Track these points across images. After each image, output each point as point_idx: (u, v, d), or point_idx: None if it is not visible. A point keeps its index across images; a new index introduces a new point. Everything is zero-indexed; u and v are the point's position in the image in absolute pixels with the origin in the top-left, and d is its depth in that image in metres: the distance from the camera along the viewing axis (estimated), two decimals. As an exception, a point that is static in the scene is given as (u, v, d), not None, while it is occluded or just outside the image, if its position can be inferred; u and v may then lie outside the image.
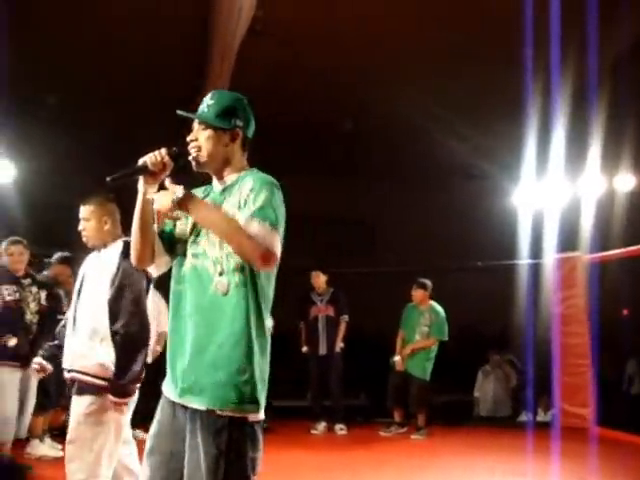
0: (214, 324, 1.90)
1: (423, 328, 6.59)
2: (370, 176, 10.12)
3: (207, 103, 2.03)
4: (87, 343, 2.87)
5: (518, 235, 8.44)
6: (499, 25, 5.84)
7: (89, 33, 6.14)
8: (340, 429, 6.76)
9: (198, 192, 2.08)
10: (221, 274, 1.92)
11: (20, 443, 4.93)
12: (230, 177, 2.04)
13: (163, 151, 1.97)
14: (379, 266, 9.35)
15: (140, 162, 1.97)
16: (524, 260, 8.09)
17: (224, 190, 2.03)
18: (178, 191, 1.92)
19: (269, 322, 2.05)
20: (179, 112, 2.03)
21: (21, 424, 4.65)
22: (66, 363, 2.94)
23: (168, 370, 2.00)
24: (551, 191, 7.97)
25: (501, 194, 9.20)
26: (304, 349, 6.98)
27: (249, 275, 1.93)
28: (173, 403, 1.96)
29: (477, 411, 8.11)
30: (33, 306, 4.71)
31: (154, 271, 2.12)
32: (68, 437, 2.87)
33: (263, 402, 1.95)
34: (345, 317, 6.87)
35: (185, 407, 1.92)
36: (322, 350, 6.81)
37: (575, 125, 6.66)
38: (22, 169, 7.55)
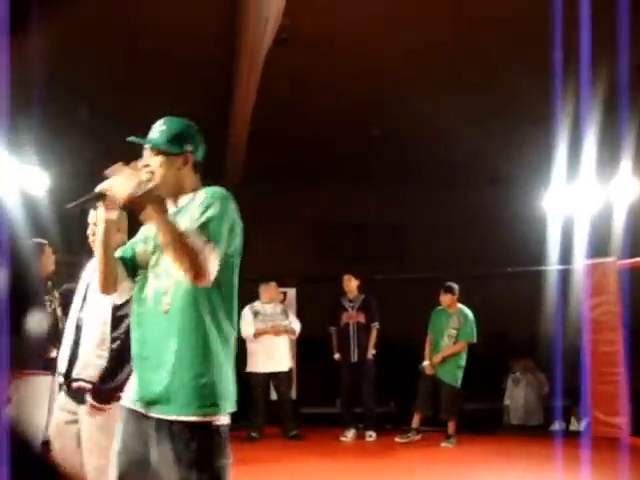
0: (169, 339, 1.96)
1: (451, 331, 6.56)
2: (398, 182, 10.09)
3: (158, 129, 2.13)
4: (95, 351, 2.90)
5: (548, 240, 8.32)
6: (528, 27, 5.79)
7: (118, 45, 6.23)
8: (369, 436, 6.74)
9: None
10: (168, 293, 1.99)
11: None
12: (184, 199, 2.12)
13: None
14: (408, 272, 9.31)
15: (98, 189, 2.00)
16: (554, 266, 7.97)
17: (178, 212, 2.09)
18: (144, 177, 1.97)
19: (230, 329, 2.09)
20: (130, 138, 2.11)
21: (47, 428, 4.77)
22: (73, 372, 2.93)
23: (133, 384, 2.07)
24: (582, 195, 7.85)
25: (531, 198, 9.09)
26: (336, 356, 6.98)
27: (201, 288, 1.96)
28: (137, 415, 2.00)
29: (507, 419, 8.00)
30: (59, 311, 4.73)
31: (117, 298, 2.21)
32: (85, 445, 2.87)
33: (227, 406, 2.00)
34: (376, 324, 6.87)
35: (150, 418, 1.97)
36: (354, 357, 6.81)
37: (606, 128, 6.55)
38: (56, 178, 7.69)
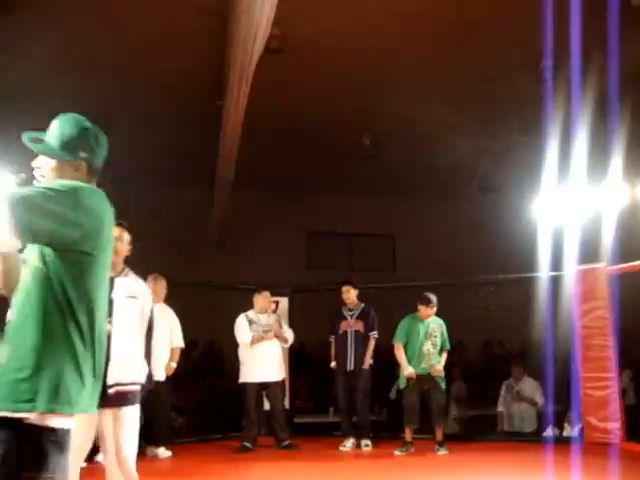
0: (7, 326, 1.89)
1: (434, 339, 6.56)
2: (390, 191, 10.12)
3: (53, 133, 2.03)
4: (128, 355, 3.22)
5: (538, 247, 8.36)
6: (518, 34, 5.84)
7: (108, 55, 6.24)
8: (365, 445, 6.72)
9: None
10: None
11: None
12: None
13: (13, 177, 2.02)
14: (399, 281, 9.31)
15: None
16: (545, 272, 8.00)
17: None
18: None
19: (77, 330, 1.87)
20: (24, 137, 2.00)
21: None
22: (110, 378, 3.10)
23: None
24: (572, 202, 7.89)
25: (521, 205, 9.14)
26: (332, 364, 6.95)
27: (48, 275, 1.85)
28: None
29: (502, 426, 8.00)
30: None
31: None
32: (128, 444, 3.17)
33: (49, 405, 1.76)
34: (374, 334, 6.84)
35: None
36: (350, 366, 6.78)
37: (596, 135, 6.61)
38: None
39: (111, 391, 3.11)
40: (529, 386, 7.88)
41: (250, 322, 6.82)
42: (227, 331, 6.94)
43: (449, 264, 9.50)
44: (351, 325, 6.88)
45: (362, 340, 6.80)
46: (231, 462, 6.06)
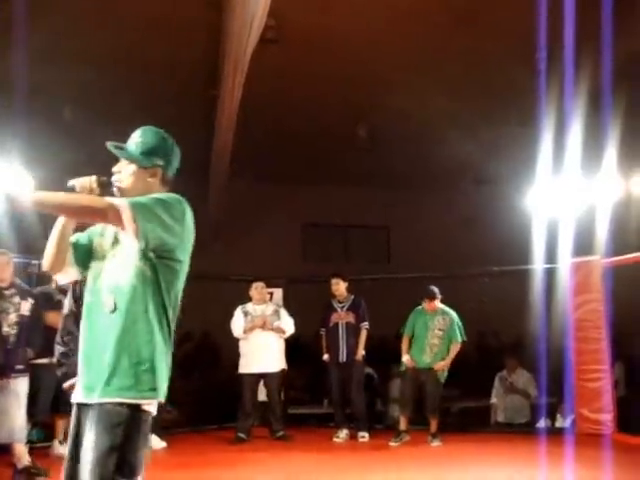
0: (110, 324, 2.08)
1: (437, 332, 6.58)
2: (385, 183, 10.12)
3: (135, 140, 2.29)
4: None
5: (533, 239, 8.38)
6: (512, 26, 5.83)
7: (104, 46, 6.21)
8: (362, 437, 6.75)
9: None
10: (109, 292, 2.10)
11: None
12: None
13: (93, 178, 2.19)
14: (394, 272, 9.33)
15: (70, 183, 2.18)
16: (539, 265, 8.03)
17: None
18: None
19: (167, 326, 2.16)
20: (108, 145, 2.24)
21: (2, 430, 4.71)
22: None
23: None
24: (566, 194, 7.91)
25: (516, 198, 9.15)
26: (325, 357, 6.97)
27: (151, 277, 2.09)
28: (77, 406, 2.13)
29: (494, 418, 8.05)
30: (12, 317, 4.76)
31: (61, 278, 2.28)
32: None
33: (159, 393, 2.08)
34: (366, 324, 6.87)
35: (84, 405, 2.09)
36: (342, 357, 6.81)
37: (590, 128, 6.62)
38: (40, 179, 7.63)
39: None
40: (522, 378, 7.93)
41: (246, 314, 6.84)
42: (222, 323, 6.95)
43: (444, 256, 9.51)
44: (342, 317, 6.90)
45: (354, 331, 6.82)
46: (226, 453, 6.08)
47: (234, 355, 6.93)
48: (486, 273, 8.78)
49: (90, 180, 2.19)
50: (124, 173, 2.24)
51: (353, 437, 6.79)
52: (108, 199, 2.02)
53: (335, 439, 6.74)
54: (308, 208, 10.44)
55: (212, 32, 6.02)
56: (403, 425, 6.60)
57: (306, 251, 10.82)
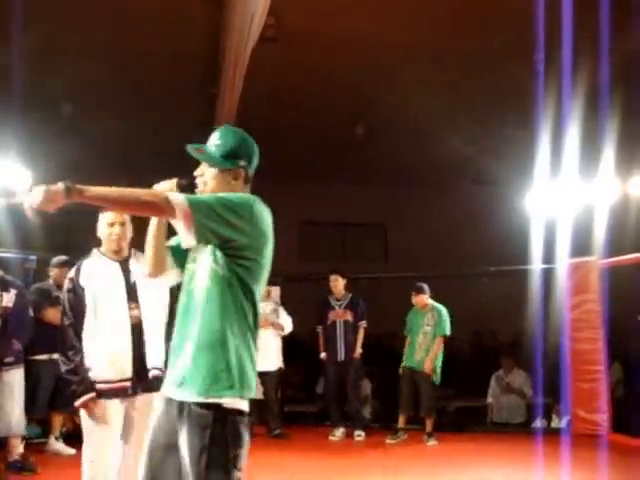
0: (192, 323, 2.09)
1: (426, 328, 6.64)
2: (383, 181, 10.13)
3: (214, 142, 2.23)
4: (161, 340, 3.14)
5: (531, 240, 8.39)
6: (510, 27, 5.84)
7: (102, 42, 6.21)
8: (358, 435, 6.76)
9: None
10: (200, 279, 2.11)
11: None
12: None
13: (174, 181, 2.19)
14: (391, 271, 9.34)
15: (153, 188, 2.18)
16: (537, 265, 8.04)
17: None
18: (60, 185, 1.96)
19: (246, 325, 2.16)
20: (189, 147, 2.19)
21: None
22: (151, 362, 3.09)
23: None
24: (564, 195, 7.92)
25: (513, 198, 9.17)
26: (322, 355, 6.97)
27: (225, 277, 2.08)
28: (166, 399, 2.12)
29: (491, 417, 8.06)
30: None
31: (165, 282, 2.34)
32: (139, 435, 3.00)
33: (241, 391, 2.06)
34: (363, 323, 6.88)
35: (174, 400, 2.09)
36: (340, 356, 6.81)
37: (588, 128, 6.63)
38: (37, 175, 7.63)
39: (151, 374, 3.08)
40: (518, 378, 7.94)
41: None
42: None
43: (441, 256, 9.53)
44: (340, 315, 6.90)
45: (352, 330, 6.83)
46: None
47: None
48: (484, 273, 8.80)
49: (171, 183, 2.19)
50: (207, 176, 2.21)
51: (349, 435, 6.80)
52: (168, 194, 1.99)
53: (331, 437, 6.75)
54: (305, 206, 10.44)
55: (212, 29, 6.02)
56: (402, 423, 6.62)
57: (303, 249, 10.83)
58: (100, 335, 3.10)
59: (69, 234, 9.12)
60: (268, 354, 6.74)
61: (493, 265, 8.58)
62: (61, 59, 6.28)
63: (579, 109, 6.30)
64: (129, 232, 3.26)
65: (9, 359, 4.78)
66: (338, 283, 6.95)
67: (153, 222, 2.20)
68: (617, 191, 8.17)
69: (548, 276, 7.61)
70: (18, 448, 4.84)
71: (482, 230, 9.78)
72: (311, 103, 7.52)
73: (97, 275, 3.21)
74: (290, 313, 7.06)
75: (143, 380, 3.07)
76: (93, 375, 3.07)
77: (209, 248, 2.08)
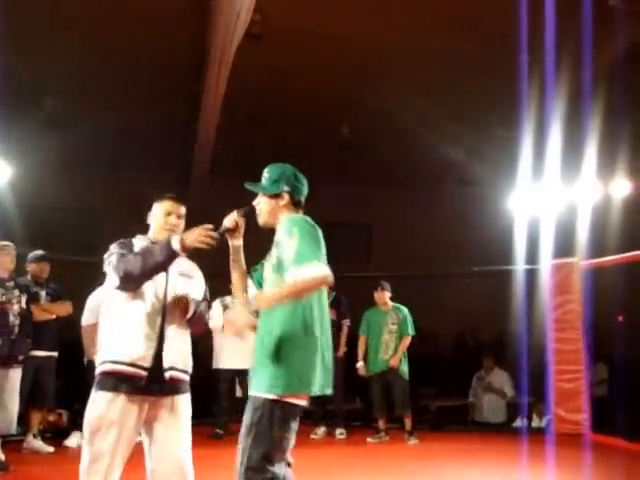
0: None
1: (391, 327, 6.65)
2: (367, 181, 10.13)
3: (264, 176, 2.76)
4: (186, 341, 2.95)
5: (514, 240, 8.45)
6: (494, 30, 5.86)
7: (86, 35, 6.14)
8: (340, 433, 6.76)
9: None
10: None
11: None
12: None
13: (235, 214, 2.74)
14: (375, 271, 9.35)
15: (223, 226, 2.73)
16: (520, 265, 8.10)
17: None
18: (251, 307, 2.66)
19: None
20: (247, 185, 2.75)
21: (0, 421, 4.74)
22: (167, 362, 2.80)
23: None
24: (547, 197, 7.98)
25: (497, 199, 9.22)
26: None
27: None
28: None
29: (472, 416, 8.11)
30: (16, 308, 4.86)
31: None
32: (184, 439, 2.85)
33: (289, 388, 2.46)
34: (347, 321, 6.88)
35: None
36: None
37: (570, 131, 6.68)
38: (18, 170, 7.55)
39: (167, 375, 2.78)
40: (499, 377, 8.00)
41: (225, 307, 6.80)
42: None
43: (425, 256, 9.54)
44: None
45: (335, 328, 6.81)
46: (202, 448, 6.03)
47: (209, 350, 6.91)
48: (467, 273, 8.83)
49: (234, 216, 2.74)
50: (261, 203, 2.74)
51: (330, 434, 6.79)
52: (311, 272, 2.43)
53: (313, 436, 6.74)
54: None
55: (197, 25, 5.98)
56: (382, 425, 6.63)
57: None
58: (129, 317, 2.80)
59: (48, 229, 9.03)
60: (246, 352, 6.70)
61: (476, 265, 8.62)
62: (43, 53, 6.21)
63: (562, 110, 6.34)
64: (182, 226, 3.04)
65: (21, 357, 4.89)
66: None
67: (231, 254, 2.80)
68: (599, 192, 8.24)
69: (531, 276, 7.67)
70: None
71: (466, 231, 9.81)
72: (295, 102, 7.50)
73: None
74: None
75: (159, 378, 2.76)
76: (107, 354, 2.77)
77: (272, 262, 2.66)
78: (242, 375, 6.74)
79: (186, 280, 3.01)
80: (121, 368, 2.72)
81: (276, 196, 2.71)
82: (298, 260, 2.45)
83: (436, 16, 5.93)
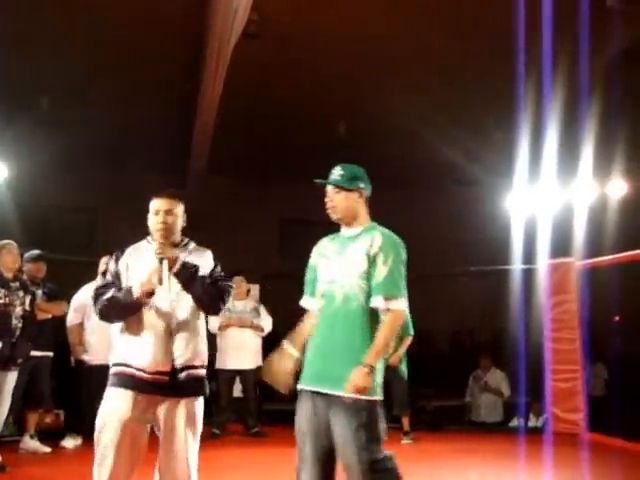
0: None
1: None
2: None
3: (338, 173, 2.79)
4: (198, 335, 2.87)
5: (511, 240, 8.46)
6: (492, 31, 5.87)
7: (82, 33, 6.12)
8: None
9: (326, 240, 2.91)
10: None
11: None
12: (357, 228, 2.79)
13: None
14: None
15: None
16: (517, 265, 8.11)
17: (352, 237, 2.77)
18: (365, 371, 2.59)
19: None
20: (317, 180, 2.81)
21: None
22: (180, 361, 2.74)
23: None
24: (543, 197, 8.00)
25: (494, 200, 9.23)
26: None
27: (351, 303, 2.66)
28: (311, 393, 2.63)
29: (468, 416, 8.11)
30: (19, 310, 4.73)
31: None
32: (189, 441, 2.81)
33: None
34: None
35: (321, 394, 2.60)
36: None
37: (567, 131, 6.69)
38: (14, 169, 7.53)
39: (182, 375, 2.72)
40: (496, 377, 8.00)
41: (225, 310, 6.78)
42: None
43: (423, 256, 9.49)
44: None
45: None
46: (200, 448, 6.04)
47: (210, 350, 6.89)
48: (464, 273, 8.84)
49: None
50: (335, 200, 2.76)
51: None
52: (395, 317, 2.62)
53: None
54: (286, 204, 10.39)
55: (194, 24, 5.97)
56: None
57: (283, 247, 10.78)
58: (134, 326, 2.76)
59: (45, 229, 9.01)
60: (246, 352, 6.70)
61: (474, 265, 8.63)
62: (39, 52, 6.19)
63: (559, 111, 6.35)
64: (180, 222, 2.89)
65: (20, 360, 4.80)
66: None
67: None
68: (596, 193, 8.26)
69: (528, 276, 7.68)
70: None
71: (463, 230, 9.82)
72: (292, 101, 7.49)
73: (136, 265, 2.85)
74: (269, 311, 7.02)
75: (172, 380, 2.72)
76: (119, 357, 2.76)
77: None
78: (243, 375, 6.73)
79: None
80: (132, 371, 2.71)
81: (353, 192, 2.76)
82: (386, 289, 2.61)
83: (435, 17, 5.94)
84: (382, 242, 2.70)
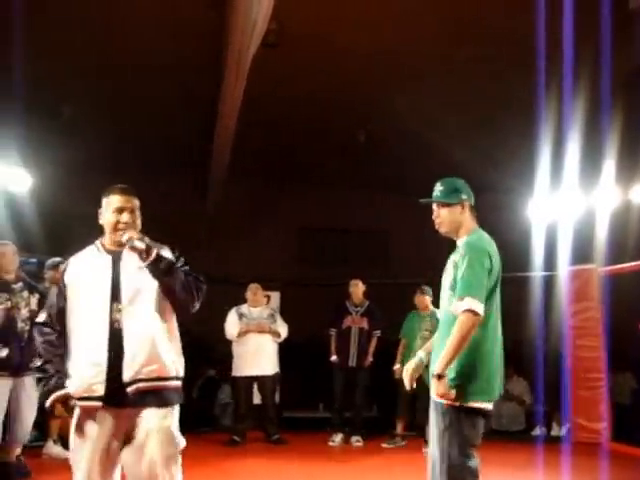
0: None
1: (424, 333, 6.58)
2: (384, 187, 10.10)
3: (438, 189, 2.94)
4: (159, 342, 2.70)
5: (532, 247, 8.38)
6: (513, 38, 5.83)
7: (106, 45, 6.21)
8: (356, 441, 6.73)
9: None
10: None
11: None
12: (461, 239, 2.89)
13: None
14: (393, 277, 9.32)
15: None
16: (538, 272, 8.03)
17: (456, 249, 2.89)
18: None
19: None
20: (421, 200, 2.95)
21: (18, 431, 4.58)
22: (128, 375, 2.63)
23: None
24: (565, 203, 7.92)
25: (515, 206, 9.15)
26: (333, 358, 6.91)
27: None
28: None
29: (490, 425, 8.03)
30: (24, 312, 4.57)
31: None
32: (155, 456, 2.71)
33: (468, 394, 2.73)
34: (377, 332, 6.87)
35: None
36: (351, 362, 6.78)
37: (589, 137, 6.62)
38: (38, 178, 7.64)
39: (130, 390, 2.58)
40: (518, 385, 7.92)
41: (241, 316, 6.82)
42: (216, 324, 6.91)
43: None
44: (356, 322, 6.87)
45: (366, 337, 6.81)
46: (220, 456, 6.06)
47: (227, 357, 6.92)
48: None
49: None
50: (441, 216, 2.89)
51: (347, 441, 6.77)
52: (467, 314, 2.67)
53: (330, 443, 6.73)
54: (307, 211, 10.41)
55: (213, 34, 6.02)
56: (400, 429, 6.60)
57: (304, 255, 10.79)
58: (76, 342, 2.61)
59: (68, 236, 9.10)
60: (264, 358, 6.73)
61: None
62: (61, 61, 6.28)
63: (581, 117, 6.30)
64: (139, 220, 2.77)
65: (34, 364, 4.71)
66: (358, 289, 6.94)
67: None
68: (618, 199, 8.16)
69: (549, 283, 7.60)
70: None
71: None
72: (311, 109, 7.52)
73: (83, 271, 2.67)
74: (289, 318, 7.04)
75: (119, 395, 2.57)
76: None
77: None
78: (261, 382, 6.75)
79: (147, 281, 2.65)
80: (77, 401, 2.59)
81: (455, 205, 2.87)
82: (461, 290, 2.68)
83: (457, 25, 5.92)
84: (464, 249, 2.77)
